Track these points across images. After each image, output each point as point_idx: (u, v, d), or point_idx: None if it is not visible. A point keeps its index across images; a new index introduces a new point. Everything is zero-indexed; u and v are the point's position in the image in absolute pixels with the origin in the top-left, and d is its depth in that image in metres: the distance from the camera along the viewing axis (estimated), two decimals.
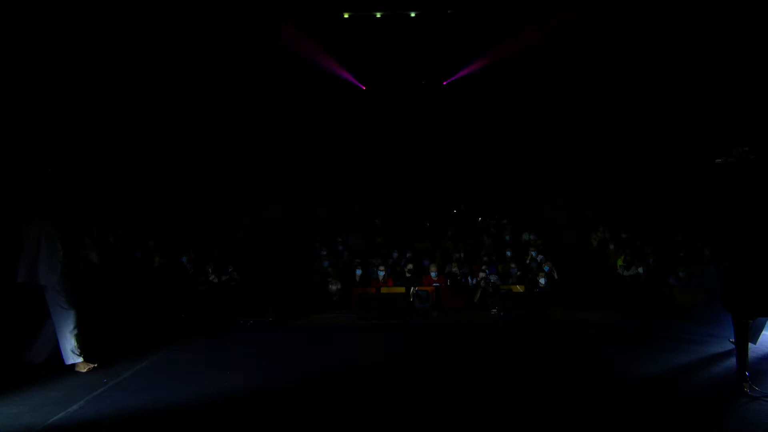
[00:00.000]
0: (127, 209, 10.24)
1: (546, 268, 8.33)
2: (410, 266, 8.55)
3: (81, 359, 4.56)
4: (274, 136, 12.66)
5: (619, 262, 9.01)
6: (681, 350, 5.00)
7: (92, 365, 4.59)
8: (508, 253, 9.21)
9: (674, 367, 4.54)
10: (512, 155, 12.68)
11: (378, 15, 11.74)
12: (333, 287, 8.08)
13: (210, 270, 8.28)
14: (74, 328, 4.55)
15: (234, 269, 8.43)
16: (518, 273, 8.50)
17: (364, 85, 13.25)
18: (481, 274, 8.07)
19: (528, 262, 8.96)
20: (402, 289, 7.94)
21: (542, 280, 7.83)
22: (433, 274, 8.43)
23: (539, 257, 8.85)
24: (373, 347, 5.70)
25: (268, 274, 9.15)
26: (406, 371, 4.64)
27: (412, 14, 11.71)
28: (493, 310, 7.40)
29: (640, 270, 8.58)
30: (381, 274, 8.41)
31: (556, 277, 8.30)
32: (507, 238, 10.15)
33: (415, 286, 7.80)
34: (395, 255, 9.35)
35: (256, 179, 12.15)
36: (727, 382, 4.06)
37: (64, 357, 4.53)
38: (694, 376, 4.30)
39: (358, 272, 8.59)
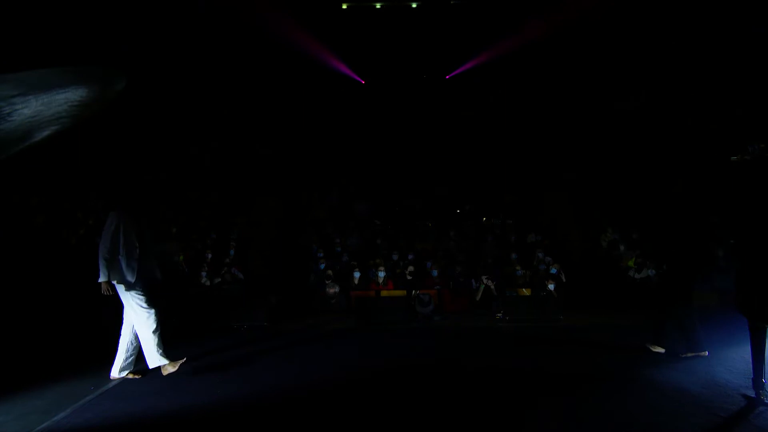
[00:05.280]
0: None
1: (554, 270, 8.31)
2: (411, 268, 8.54)
3: (167, 360, 4.55)
4: (270, 133, 12.65)
5: (630, 264, 8.99)
6: (692, 356, 4.98)
7: (181, 361, 4.59)
8: (514, 256, 9.19)
9: (684, 372, 4.54)
10: (518, 153, 12.65)
11: (378, 6, 11.73)
12: (331, 290, 8.08)
13: (206, 272, 8.26)
14: (156, 328, 4.52)
15: (235, 269, 8.43)
16: (526, 273, 8.47)
17: (363, 79, 13.25)
18: (484, 278, 8.07)
19: (535, 263, 8.95)
20: (403, 293, 7.93)
21: (551, 286, 7.81)
22: (434, 273, 8.41)
23: (547, 259, 8.84)
24: (373, 353, 5.69)
25: (264, 277, 9.14)
26: (407, 377, 4.63)
27: (414, 5, 11.70)
28: (498, 314, 7.39)
29: (651, 272, 8.57)
30: (381, 275, 8.40)
31: (564, 279, 8.29)
32: (512, 239, 10.13)
33: (416, 289, 7.79)
34: (395, 257, 9.33)
35: (252, 177, 12.14)
36: (741, 388, 4.05)
37: (148, 360, 4.52)
38: (706, 381, 4.29)
39: (357, 274, 8.59)
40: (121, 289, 4.46)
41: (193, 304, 7.53)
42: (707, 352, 5.00)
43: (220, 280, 8.21)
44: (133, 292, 4.47)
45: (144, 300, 4.49)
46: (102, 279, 4.38)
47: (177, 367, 4.55)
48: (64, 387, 4.34)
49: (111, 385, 4.40)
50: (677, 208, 5.98)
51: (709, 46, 9.66)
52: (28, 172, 9.40)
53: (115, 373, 4.56)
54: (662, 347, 5.18)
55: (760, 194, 3.96)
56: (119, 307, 4.59)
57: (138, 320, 4.48)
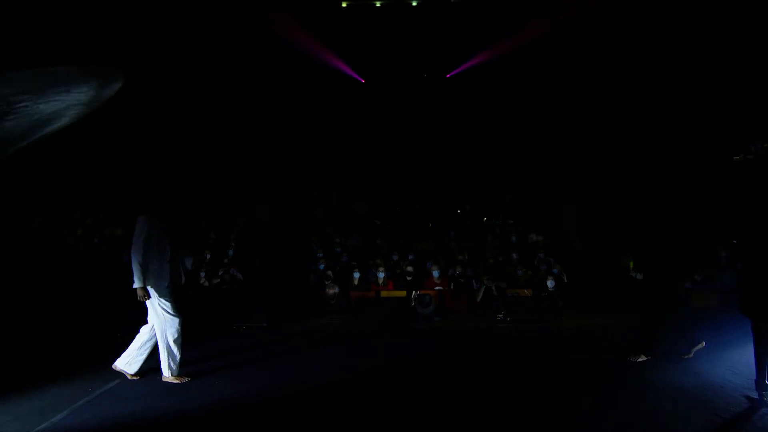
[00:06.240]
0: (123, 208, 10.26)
1: (555, 270, 8.31)
2: (410, 269, 8.53)
3: (177, 372, 4.50)
4: (269, 132, 12.64)
5: (631, 265, 8.98)
6: (694, 356, 4.98)
7: (185, 379, 4.52)
8: (515, 256, 9.19)
9: (685, 373, 4.54)
10: (519, 153, 12.64)
11: (378, 4, 11.72)
12: (331, 291, 8.07)
13: (204, 273, 8.26)
14: (178, 338, 4.47)
15: (234, 269, 8.42)
16: (527, 273, 8.46)
17: (363, 78, 13.23)
18: (485, 278, 8.07)
19: (536, 263, 8.94)
20: (403, 293, 7.93)
21: (550, 284, 7.83)
22: (435, 273, 8.41)
23: (548, 259, 8.83)
24: (373, 354, 5.70)
25: (263, 277, 9.14)
26: (407, 378, 4.64)
27: (414, 3, 11.69)
28: (499, 315, 7.40)
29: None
30: (381, 275, 8.39)
31: (565, 280, 8.29)
32: (513, 239, 10.13)
33: (416, 290, 7.79)
34: (395, 257, 9.33)
35: (251, 177, 12.14)
36: (743, 390, 4.05)
37: (163, 368, 4.48)
38: (707, 382, 4.29)
39: (357, 275, 8.58)
40: (150, 293, 4.42)
41: (192, 305, 7.53)
42: (704, 343, 5.01)
43: (218, 281, 8.21)
44: (162, 298, 4.42)
45: (171, 306, 4.45)
46: (138, 285, 4.33)
47: (179, 381, 4.49)
48: (62, 388, 4.34)
49: (109, 386, 4.40)
50: (660, 209, 5.98)
51: (709, 45, 9.66)
52: (28, 171, 9.41)
53: (120, 364, 4.53)
54: (647, 355, 5.03)
55: (763, 194, 3.95)
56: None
57: (162, 327, 4.43)
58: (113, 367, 4.55)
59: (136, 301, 4.46)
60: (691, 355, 4.98)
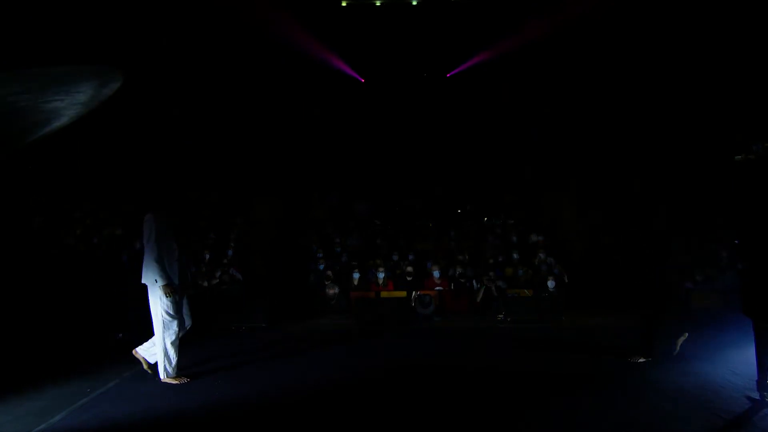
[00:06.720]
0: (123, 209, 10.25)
1: (556, 270, 8.31)
2: (410, 269, 8.53)
3: (174, 374, 4.50)
4: (269, 132, 12.63)
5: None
6: (695, 357, 4.99)
7: (184, 380, 4.51)
8: (515, 256, 9.19)
9: (686, 374, 4.53)
10: (519, 153, 12.64)
11: (378, 3, 11.71)
12: (331, 291, 8.08)
13: (204, 273, 8.26)
14: (176, 340, 4.47)
15: (233, 270, 8.42)
16: (528, 273, 8.46)
17: (363, 78, 13.22)
18: (485, 278, 8.07)
19: (537, 264, 8.94)
20: (403, 293, 7.93)
21: (550, 283, 7.83)
22: (435, 273, 8.41)
23: (549, 260, 8.83)
24: (373, 354, 5.70)
25: (263, 277, 9.14)
26: (407, 378, 4.64)
27: (414, 2, 11.68)
28: (500, 316, 7.40)
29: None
30: (381, 276, 8.39)
31: (566, 280, 8.28)
32: (514, 239, 10.13)
33: (416, 290, 7.80)
34: (395, 257, 9.33)
35: (251, 177, 12.13)
36: (745, 390, 4.05)
37: (159, 369, 4.47)
38: (708, 383, 4.28)
39: (357, 275, 8.58)
40: (153, 291, 4.42)
41: (191, 306, 7.52)
42: (686, 334, 5.04)
43: (217, 281, 8.20)
44: (167, 298, 4.42)
45: (171, 307, 4.44)
46: (162, 282, 4.34)
47: (178, 382, 4.49)
48: (62, 388, 4.35)
49: (109, 386, 4.40)
50: (659, 209, 5.97)
51: (709, 45, 9.65)
52: (28, 171, 9.41)
53: (142, 351, 4.52)
54: (647, 356, 4.98)
55: (764, 194, 3.95)
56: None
57: (160, 327, 4.43)
58: (133, 352, 4.54)
59: (140, 300, 4.45)
60: (677, 350, 4.97)
